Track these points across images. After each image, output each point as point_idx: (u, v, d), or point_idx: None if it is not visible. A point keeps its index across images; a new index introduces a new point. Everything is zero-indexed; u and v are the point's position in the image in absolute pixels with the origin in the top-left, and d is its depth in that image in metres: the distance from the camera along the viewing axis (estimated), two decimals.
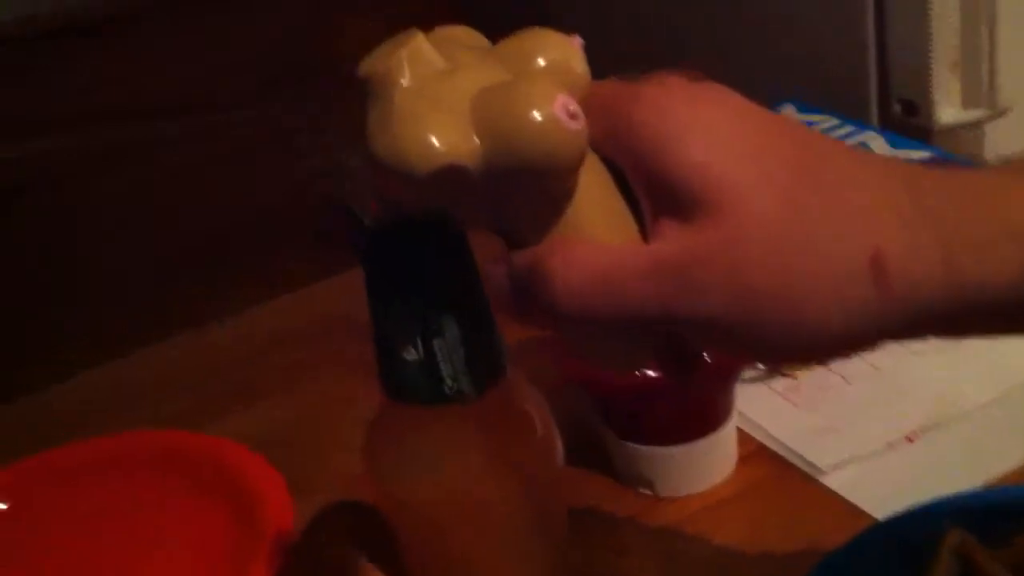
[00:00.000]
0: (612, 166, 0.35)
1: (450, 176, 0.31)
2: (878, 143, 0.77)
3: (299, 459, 0.59)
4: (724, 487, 0.55)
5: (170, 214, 1.11)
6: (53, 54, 1.06)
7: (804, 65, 0.84)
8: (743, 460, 0.56)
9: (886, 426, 0.56)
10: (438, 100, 0.32)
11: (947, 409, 0.56)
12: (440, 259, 0.36)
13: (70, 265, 1.08)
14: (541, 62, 0.34)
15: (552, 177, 0.32)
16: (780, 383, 0.60)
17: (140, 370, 0.74)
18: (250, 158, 1.13)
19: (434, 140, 0.31)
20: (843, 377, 0.59)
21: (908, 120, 0.78)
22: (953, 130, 0.76)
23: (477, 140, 0.32)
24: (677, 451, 0.53)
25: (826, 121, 0.81)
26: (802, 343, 0.32)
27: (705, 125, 0.33)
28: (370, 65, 0.33)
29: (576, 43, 0.35)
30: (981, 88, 0.75)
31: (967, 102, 0.76)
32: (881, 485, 0.52)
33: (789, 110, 0.84)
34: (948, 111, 0.76)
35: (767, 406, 0.58)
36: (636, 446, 0.54)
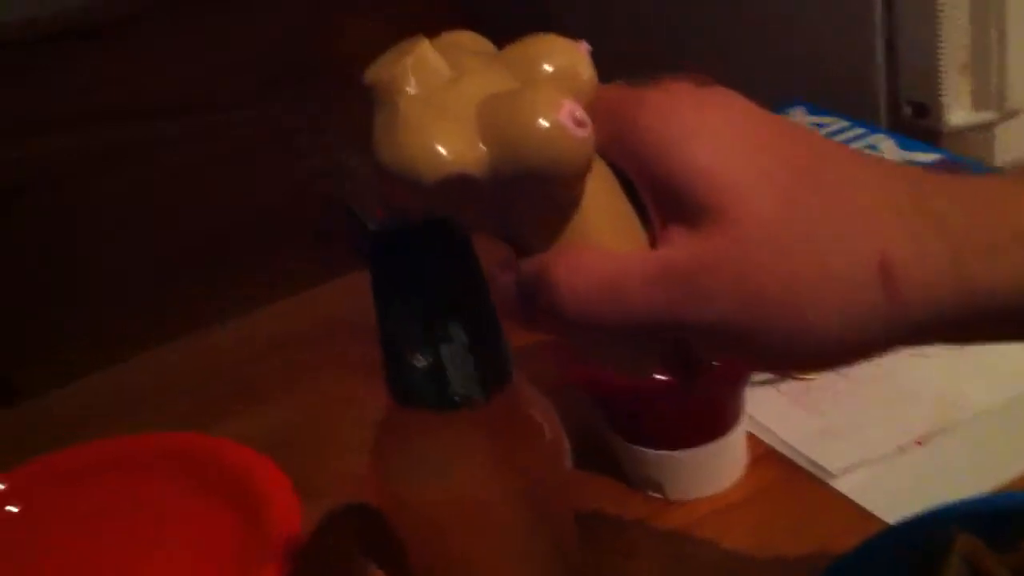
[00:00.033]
0: (620, 171, 0.35)
1: (456, 184, 0.32)
2: (887, 145, 0.78)
3: (303, 461, 0.59)
4: (734, 491, 0.55)
5: (170, 214, 1.12)
6: (54, 56, 1.07)
7: (813, 67, 0.85)
8: (753, 463, 0.56)
9: (896, 429, 0.56)
10: (444, 108, 0.32)
11: (957, 413, 0.57)
12: (447, 265, 0.36)
13: (70, 265, 1.08)
14: (547, 68, 0.34)
15: (559, 184, 0.33)
16: (789, 386, 0.60)
17: (143, 373, 0.75)
18: (250, 158, 1.13)
19: (440, 148, 0.32)
20: (852, 380, 0.59)
21: (917, 122, 0.79)
22: (963, 132, 0.77)
23: (483, 147, 0.32)
24: (687, 455, 0.54)
25: (835, 123, 0.82)
26: (810, 350, 0.32)
27: (711, 130, 0.33)
28: (375, 73, 0.33)
29: (583, 48, 0.35)
30: (991, 90, 0.75)
31: (977, 104, 0.76)
32: (891, 489, 0.53)
33: (799, 112, 0.84)
34: (958, 113, 0.76)
35: (776, 409, 0.59)
36: (645, 450, 0.54)
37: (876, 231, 0.32)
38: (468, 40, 0.36)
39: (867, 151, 0.77)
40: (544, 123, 0.31)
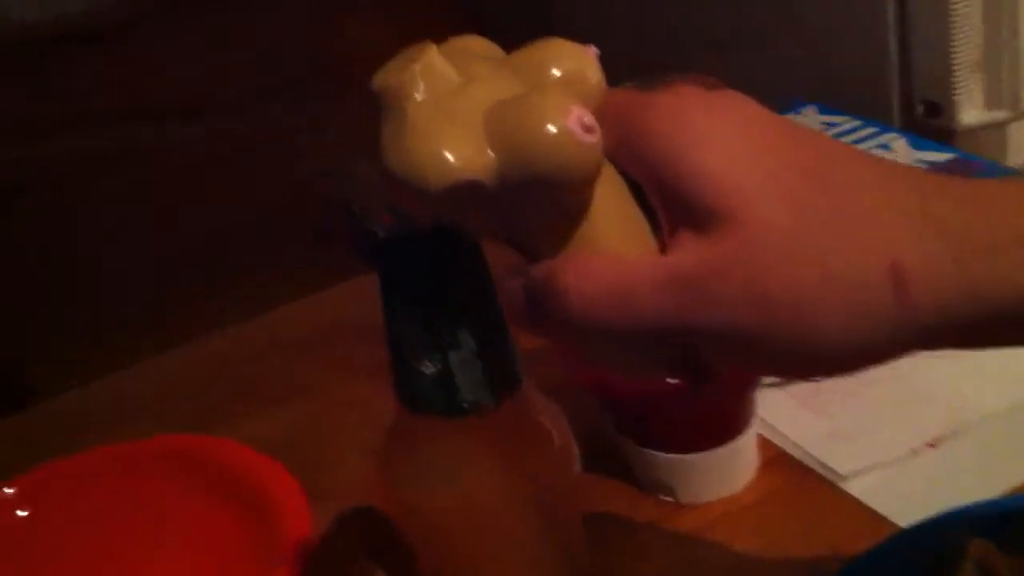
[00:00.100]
0: (629, 175, 0.36)
1: (464, 190, 0.32)
2: (900, 144, 0.78)
3: (310, 464, 0.60)
4: (745, 494, 0.55)
5: (170, 214, 1.12)
6: (55, 58, 1.07)
7: (825, 66, 0.85)
8: (764, 466, 0.56)
9: (907, 432, 0.56)
10: (452, 114, 0.33)
11: (969, 415, 0.57)
12: (455, 271, 0.37)
13: (71, 265, 1.09)
14: (556, 73, 0.34)
15: (567, 190, 0.33)
16: (799, 388, 0.60)
17: (149, 378, 0.75)
18: (250, 158, 1.14)
19: (448, 155, 0.32)
20: (863, 382, 0.60)
21: (930, 121, 0.79)
22: (975, 131, 0.77)
23: (491, 154, 0.32)
24: (698, 458, 0.54)
25: (847, 122, 0.82)
26: (819, 355, 0.33)
27: (720, 135, 0.33)
28: (383, 79, 0.33)
29: (591, 53, 0.35)
30: (1004, 89, 0.76)
31: (990, 103, 0.77)
32: (902, 492, 0.53)
33: (810, 111, 0.85)
34: (970, 112, 0.77)
35: (787, 412, 0.59)
36: (656, 453, 0.55)
37: (885, 235, 0.32)
38: (476, 45, 0.36)
39: (879, 151, 0.77)
40: (552, 129, 0.32)
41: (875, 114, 0.82)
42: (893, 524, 0.51)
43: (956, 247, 0.32)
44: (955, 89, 0.76)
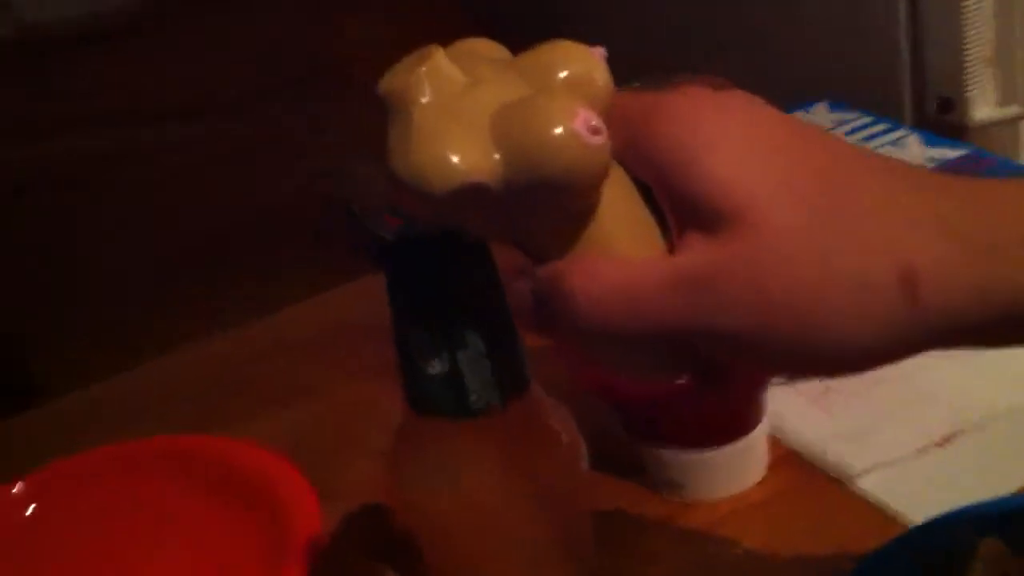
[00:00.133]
0: (637, 177, 0.36)
1: (470, 194, 0.32)
2: (912, 141, 0.78)
3: (319, 464, 0.60)
4: (754, 492, 0.56)
5: (170, 215, 1.13)
6: (55, 57, 1.08)
7: (837, 62, 0.85)
8: (773, 465, 0.57)
9: (916, 430, 0.57)
10: (458, 117, 0.33)
11: (978, 413, 0.57)
12: (463, 271, 0.37)
13: (71, 265, 1.09)
14: (562, 75, 0.35)
15: (574, 193, 0.33)
16: (810, 387, 0.61)
17: (154, 378, 0.76)
18: (250, 158, 1.14)
19: (454, 158, 0.32)
20: (872, 381, 0.59)
21: (943, 118, 0.79)
22: (988, 127, 0.77)
23: (497, 156, 0.33)
24: (707, 456, 0.54)
25: (859, 119, 0.82)
26: (828, 357, 0.33)
27: (729, 136, 0.34)
28: (389, 82, 0.34)
29: (598, 54, 0.36)
30: (1016, 85, 0.75)
31: (1003, 99, 0.77)
32: (912, 490, 0.53)
33: (822, 108, 0.84)
34: (983, 108, 0.77)
35: (797, 410, 0.59)
36: (665, 451, 0.55)
37: (893, 236, 0.32)
38: (483, 47, 0.37)
39: (891, 147, 0.77)
40: (559, 131, 0.32)
41: (887, 110, 0.82)
42: (902, 523, 0.51)
43: (966, 248, 0.32)
44: (967, 85, 0.76)
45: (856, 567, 0.45)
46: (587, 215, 0.34)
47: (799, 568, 0.51)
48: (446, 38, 0.36)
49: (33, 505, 0.61)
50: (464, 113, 0.33)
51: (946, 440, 0.56)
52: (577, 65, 0.35)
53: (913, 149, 0.77)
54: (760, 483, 0.56)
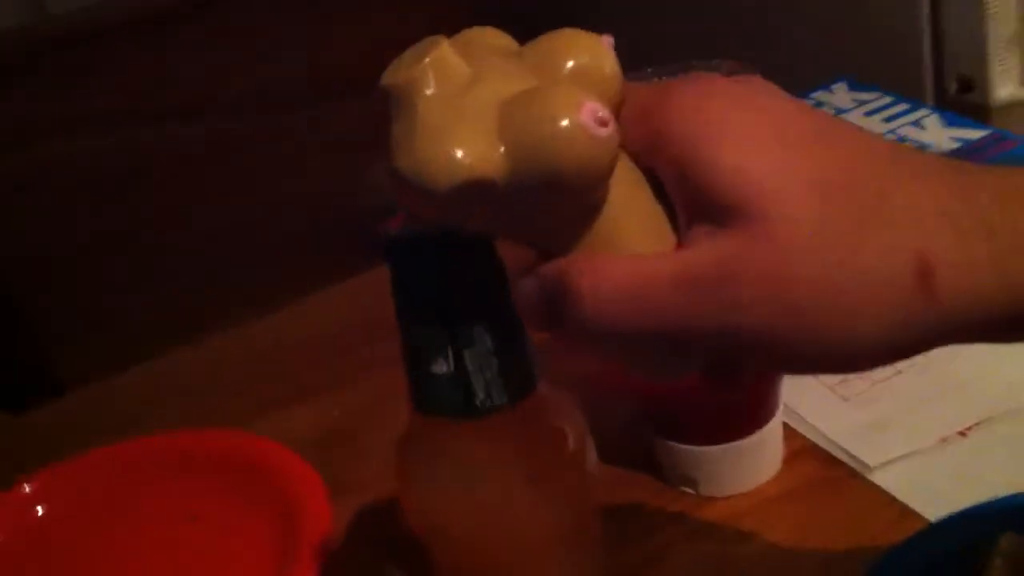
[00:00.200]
0: (648, 169, 0.35)
1: (475, 189, 0.32)
2: (932, 121, 0.77)
3: (333, 459, 0.61)
4: (770, 486, 0.55)
5: (170, 214, 1.13)
6: (55, 58, 1.08)
7: (857, 42, 0.85)
8: (789, 458, 0.56)
9: (938, 421, 0.56)
10: (463, 110, 0.32)
11: (1002, 404, 0.57)
12: (469, 269, 0.37)
13: (70, 265, 1.10)
14: (569, 64, 0.34)
15: (581, 187, 0.33)
16: (827, 377, 0.60)
17: (152, 378, 0.76)
18: (250, 158, 1.14)
19: (458, 153, 0.32)
20: (892, 369, 0.59)
21: (964, 98, 0.78)
22: (1010, 107, 0.76)
23: (503, 150, 0.32)
24: (721, 450, 0.54)
25: (879, 99, 0.81)
26: (845, 353, 0.33)
27: (740, 127, 0.33)
28: (393, 75, 0.33)
29: (606, 43, 0.35)
30: None
31: None
32: (932, 483, 0.53)
33: (841, 88, 0.84)
34: (1005, 88, 0.76)
35: (814, 400, 0.59)
36: (679, 445, 0.55)
37: (913, 231, 0.32)
38: (489, 37, 0.36)
39: (911, 128, 0.77)
40: (564, 123, 0.32)
41: (907, 90, 0.81)
42: (921, 517, 0.51)
43: (992, 243, 0.32)
44: (989, 64, 0.76)
45: (874, 563, 0.45)
46: (595, 209, 0.34)
47: (816, 564, 0.51)
48: (448, 35, 0.35)
49: (42, 505, 0.61)
50: (469, 106, 0.33)
51: (968, 430, 0.56)
52: (584, 54, 0.35)
53: (933, 129, 0.76)
54: (776, 477, 0.56)
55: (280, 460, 0.59)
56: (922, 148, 0.74)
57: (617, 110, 0.34)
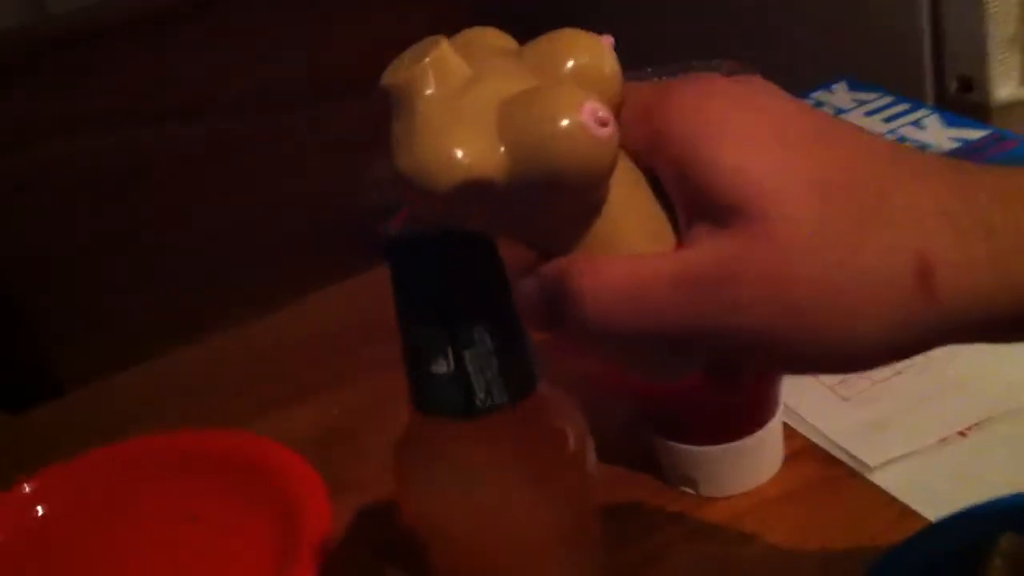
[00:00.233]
0: (648, 169, 0.35)
1: (475, 189, 0.32)
2: (932, 121, 0.77)
3: (334, 459, 0.61)
4: (770, 486, 0.55)
5: (170, 214, 1.13)
6: (55, 58, 1.09)
7: (856, 41, 0.85)
8: (789, 458, 0.56)
9: (938, 421, 0.56)
10: (462, 111, 0.32)
11: (1003, 404, 0.57)
12: (469, 269, 0.37)
13: (71, 265, 1.10)
14: (569, 64, 0.34)
15: (581, 187, 0.33)
16: (828, 377, 0.60)
17: (152, 379, 0.76)
18: (250, 158, 1.15)
19: (458, 153, 0.32)
20: (892, 369, 0.59)
21: (964, 97, 0.78)
22: (1011, 107, 0.76)
23: (503, 150, 0.32)
24: (721, 450, 0.54)
25: (879, 99, 0.82)
26: (842, 355, 0.33)
27: (740, 127, 0.33)
28: (393, 75, 0.33)
29: (606, 43, 0.35)
30: None
31: None
32: (932, 483, 0.53)
33: (841, 87, 0.84)
34: (1006, 87, 0.76)
35: (814, 400, 0.59)
36: (678, 445, 0.55)
37: (913, 231, 0.32)
38: (489, 37, 0.36)
39: (911, 128, 0.77)
40: (564, 124, 0.32)
41: (907, 90, 0.81)
42: (922, 517, 0.51)
43: (991, 243, 0.32)
44: (990, 64, 0.76)
45: (874, 563, 0.45)
46: (595, 209, 0.34)
47: (816, 564, 0.51)
48: (450, 34, 0.35)
49: (42, 505, 0.62)
50: (469, 106, 0.33)
51: (969, 430, 0.56)
52: (584, 55, 0.35)
53: (933, 129, 0.76)
54: (776, 477, 0.56)
55: (280, 460, 0.59)
56: (922, 148, 0.74)
57: (617, 110, 0.35)
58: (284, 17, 1.15)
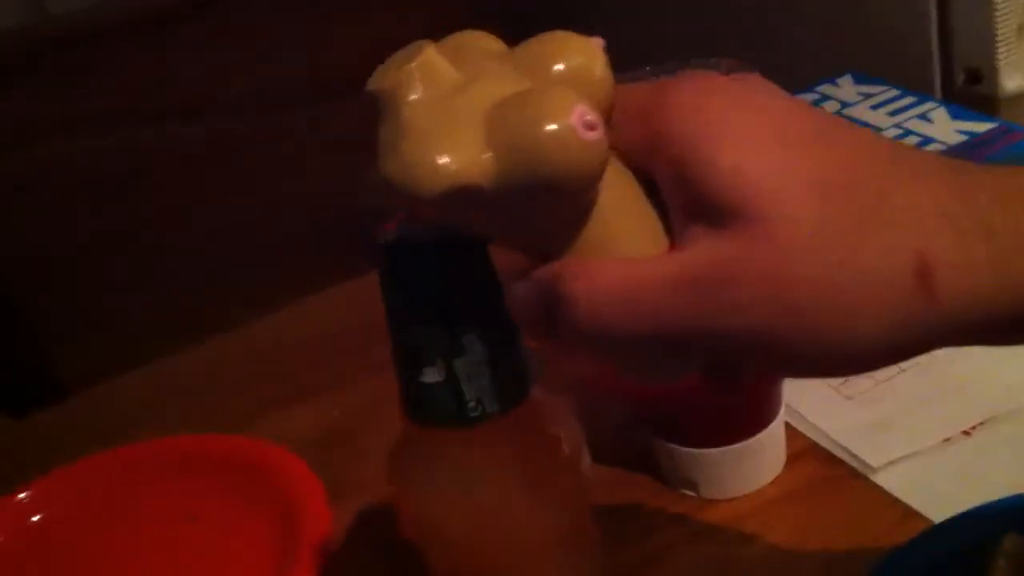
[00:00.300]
0: (640, 170, 0.35)
1: (462, 195, 0.32)
2: (939, 114, 0.77)
3: (333, 462, 0.61)
4: (772, 487, 0.55)
5: (170, 214, 1.13)
6: (55, 57, 1.09)
7: (862, 34, 0.84)
8: (792, 459, 0.56)
9: (941, 421, 0.56)
10: (450, 115, 0.32)
11: (1007, 404, 0.57)
12: (459, 274, 0.37)
13: (71, 265, 1.10)
14: (559, 67, 0.34)
15: (571, 191, 0.33)
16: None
17: (152, 379, 0.76)
18: (250, 158, 1.15)
19: (443, 159, 0.32)
20: (895, 369, 0.59)
21: (971, 89, 0.78)
22: (1018, 99, 0.76)
23: (491, 155, 0.32)
24: (722, 452, 0.54)
25: (885, 92, 0.81)
26: (841, 356, 0.33)
27: (740, 126, 0.33)
28: (379, 80, 0.33)
29: (597, 45, 0.35)
30: None
31: None
32: (936, 484, 0.53)
33: (847, 81, 0.84)
34: (1014, 79, 0.76)
35: (816, 400, 0.59)
36: (679, 447, 0.55)
37: (913, 232, 0.32)
38: (478, 40, 0.36)
39: (918, 121, 0.76)
40: (552, 128, 0.32)
41: (914, 83, 0.81)
42: (925, 518, 0.51)
43: (991, 244, 0.32)
44: (997, 55, 0.75)
45: (877, 564, 0.45)
46: (586, 213, 0.34)
47: (818, 565, 0.51)
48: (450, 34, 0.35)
49: (42, 507, 0.62)
50: (456, 111, 0.33)
51: (972, 430, 0.56)
52: (575, 57, 0.34)
53: (940, 122, 0.76)
54: (778, 479, 0.56)
55: (280, 461, 0.60)
56: (929, 141, 0.74)
57: (608, 112, 0.34)
58: (284, 17, 1.15)
